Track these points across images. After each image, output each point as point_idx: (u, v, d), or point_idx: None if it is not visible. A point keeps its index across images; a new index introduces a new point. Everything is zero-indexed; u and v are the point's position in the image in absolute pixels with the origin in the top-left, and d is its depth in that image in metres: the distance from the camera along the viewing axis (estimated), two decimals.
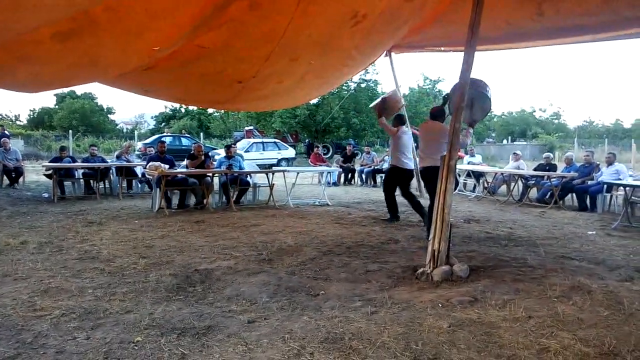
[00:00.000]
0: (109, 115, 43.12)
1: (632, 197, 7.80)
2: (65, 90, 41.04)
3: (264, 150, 22.41)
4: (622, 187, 8.21)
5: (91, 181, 10.45)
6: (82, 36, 3.69)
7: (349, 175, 14.68)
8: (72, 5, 3.16)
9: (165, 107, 44.44)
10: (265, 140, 24.13)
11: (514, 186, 10.80)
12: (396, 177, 7.22)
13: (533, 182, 10.55)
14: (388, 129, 7.41)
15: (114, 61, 4.86)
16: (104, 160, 11.04)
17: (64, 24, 3.43)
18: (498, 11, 6.26)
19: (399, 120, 7.61)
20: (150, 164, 8.50)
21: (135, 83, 6.26)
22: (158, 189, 8.26)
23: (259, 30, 5.16)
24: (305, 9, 4.87)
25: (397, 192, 7.28)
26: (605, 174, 9.22)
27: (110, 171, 10.80)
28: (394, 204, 7.29)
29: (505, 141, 41.96)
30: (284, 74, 6.31)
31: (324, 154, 22.55)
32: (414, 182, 12.24)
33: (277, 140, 24.90)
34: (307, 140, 30.74)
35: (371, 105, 7.84)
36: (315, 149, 16.25)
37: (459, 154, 5.99)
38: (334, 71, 7.95)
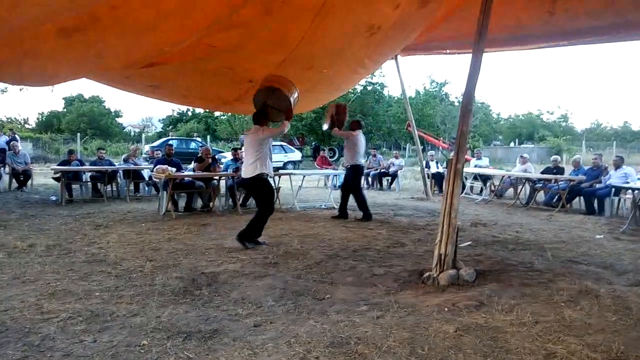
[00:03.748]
0: (116, 119, 43.37)
1: None
2: (74, 93, 41.45)
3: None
4: (630, 191, 8.14)
5: (99, 184, 10.51)
6: (86, 32, 3.71)
7: None
8: (72, 2, 3.18)
9: (173, 110, 44.72)
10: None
11: (521, 189, 10.74)
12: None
13: (540, 185, 10.49)
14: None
15: (119, 57, 4.88)
16: (111, 164, 11.10)
17: (68, 21, 3.46)
18: (509, 9, 6.25)
19: None
20: (158, 167, 8.53)
21: (142, 79, 6.28)
22: (165, 192, 8.30)
23: (271, 35, 5.17)
24: (321, 21, 4.88)
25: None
26: (614, 177, 9.14)
27: (118, 174, 10.86)
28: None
29: (512, 144, 41.78)
30: (296, 82, 6.32)
31: (331, 157, 22.56)
32: (420, 185, 12.24)
33: (283, 143, 24.90)
34: (313, 143, 30.78)
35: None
36: (321, 152, 16.27)
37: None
38: (344, 78, 7.99)
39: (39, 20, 3.27)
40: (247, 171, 5.80)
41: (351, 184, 8.06)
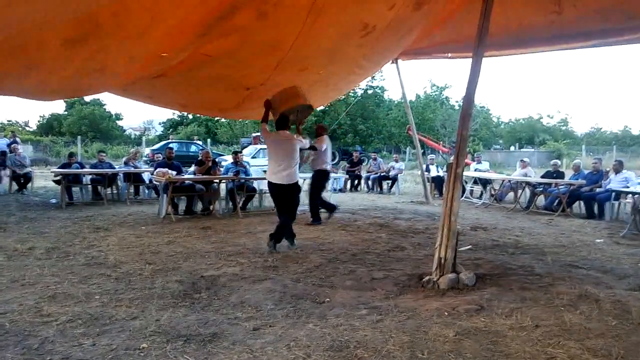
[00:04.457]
0: (117, 122, 43.37)
1: None
2: None
3: None
4: (630, 195, 8.14)
5: (99, 187, 10.51)
6: (88, 41, 3.72)
7: (355, 182, 14.66)
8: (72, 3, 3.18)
9: (173, 113, 44.67)
10: None
11: (521, 193, 10.75)
12: None
13: (540, 189, 10.49)
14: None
15: (121, 69, 4.89)
16: (111, 166, 11.09)
17: (71, 30, 3.46)
18: (514, 11, 6.21)
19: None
20: (158, 170, 8.54)
21: (140, 90, 6.30)
22: (165, 195, 8.30)
23: (266, 40, 5.18)
24: (314, 20, 4.89)
25: None
26: (614, 182, 9.14)
27: (118, 177, 10.87)
28: None
29: (512, 148, 41.76)
30: (293, 83, 6.34)
31: (331, 160, 22.53)
32: (420, 189, 12.23)
33: None
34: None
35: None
36: None
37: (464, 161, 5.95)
38: (341, 79, 7.98)
39: (38, 24, 3.27)
40: (286, 177, 5.69)
41: (319, 187, 8.12)
